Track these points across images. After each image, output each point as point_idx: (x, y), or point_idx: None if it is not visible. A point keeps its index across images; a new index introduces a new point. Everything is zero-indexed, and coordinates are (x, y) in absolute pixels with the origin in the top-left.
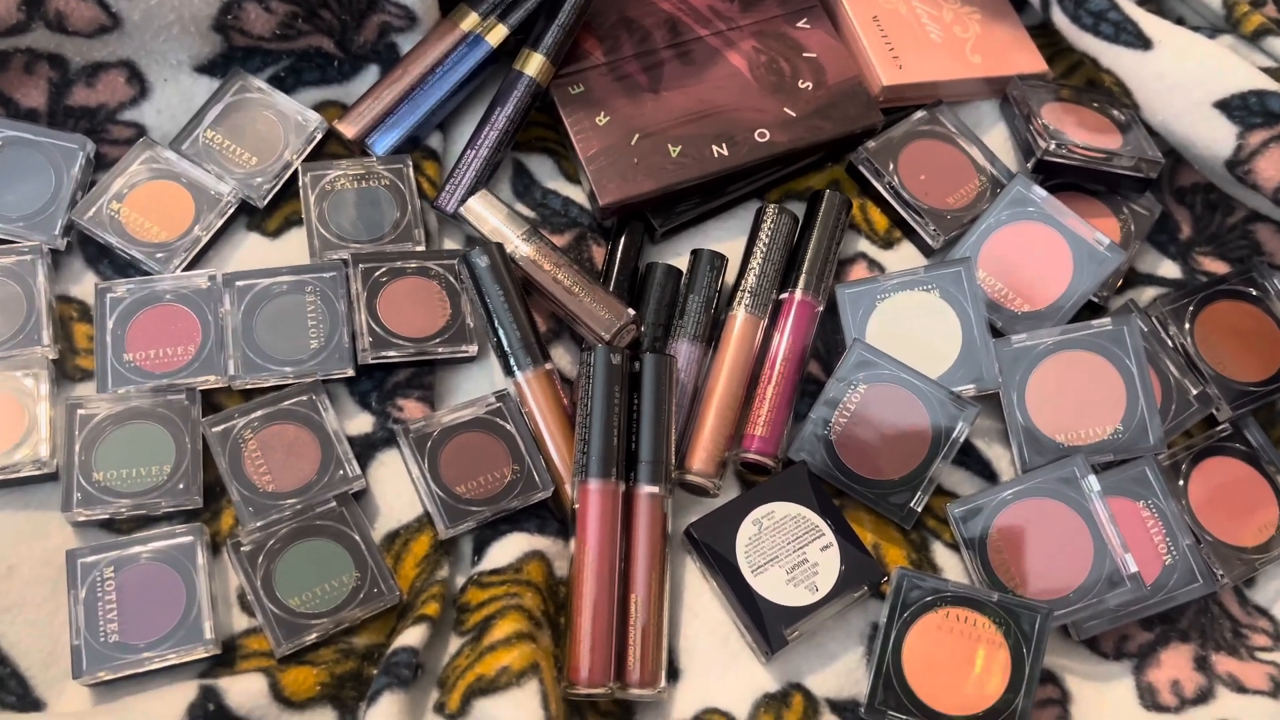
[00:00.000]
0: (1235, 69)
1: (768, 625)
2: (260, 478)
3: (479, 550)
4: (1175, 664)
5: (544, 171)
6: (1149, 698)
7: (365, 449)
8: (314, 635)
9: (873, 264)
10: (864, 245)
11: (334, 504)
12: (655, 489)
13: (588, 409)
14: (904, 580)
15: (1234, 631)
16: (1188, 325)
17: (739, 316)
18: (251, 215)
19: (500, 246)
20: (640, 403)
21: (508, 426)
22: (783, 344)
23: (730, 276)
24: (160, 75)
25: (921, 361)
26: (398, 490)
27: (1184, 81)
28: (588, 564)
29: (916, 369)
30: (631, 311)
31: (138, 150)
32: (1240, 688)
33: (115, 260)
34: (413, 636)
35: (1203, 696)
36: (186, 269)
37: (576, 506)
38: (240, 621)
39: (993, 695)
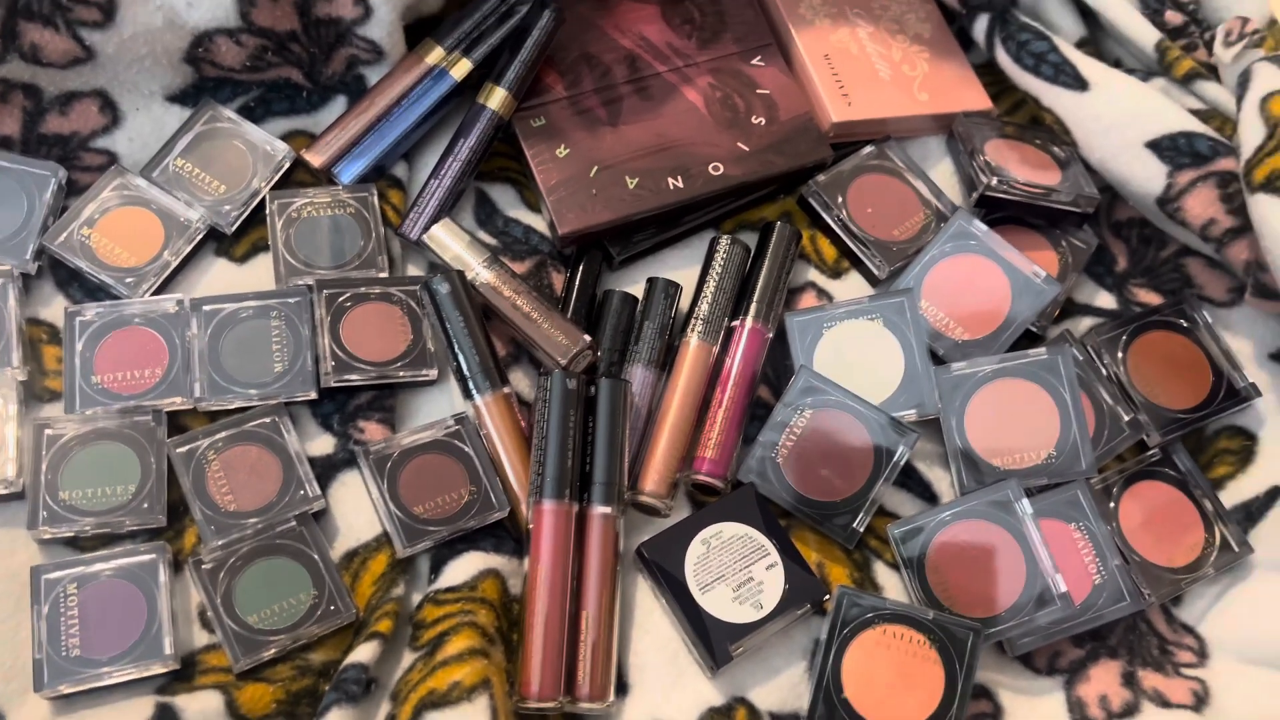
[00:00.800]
0: (1166, 111)
1: (714, 641)
2: (222, 497)
3: (435, 569)
4: (1104, 679)
5: (506, 200)
6: (1078, 712)
7: (326, 470)
8: (272, 651)
9: (821, 293)
10: (813, 275)
11: (294, 523)
12: (608, 509)
13: (544, 431)
14: (844, 598)
15: (1161, 648)
16: (1121, 354)
17: (692, 343)
18: (220, 241)
19: (461, 274)
20: (595, 426)
21: (466, 448)
22: (733, 369)
23: (685, 304)
24: (133, 104)
25: (866, 387)
26: (357, 510)
27: (1118, 122)
28: (540, 581)
29: (860, 395)
30: (588, 338)
31: (109, 177)
32: (1165, 703)
33: (85, 284)
34: (364, 653)
35: (1128, 711)
36: (155, 294)
37: (531, 526)
38: (200, 638)
39: (927, 709)
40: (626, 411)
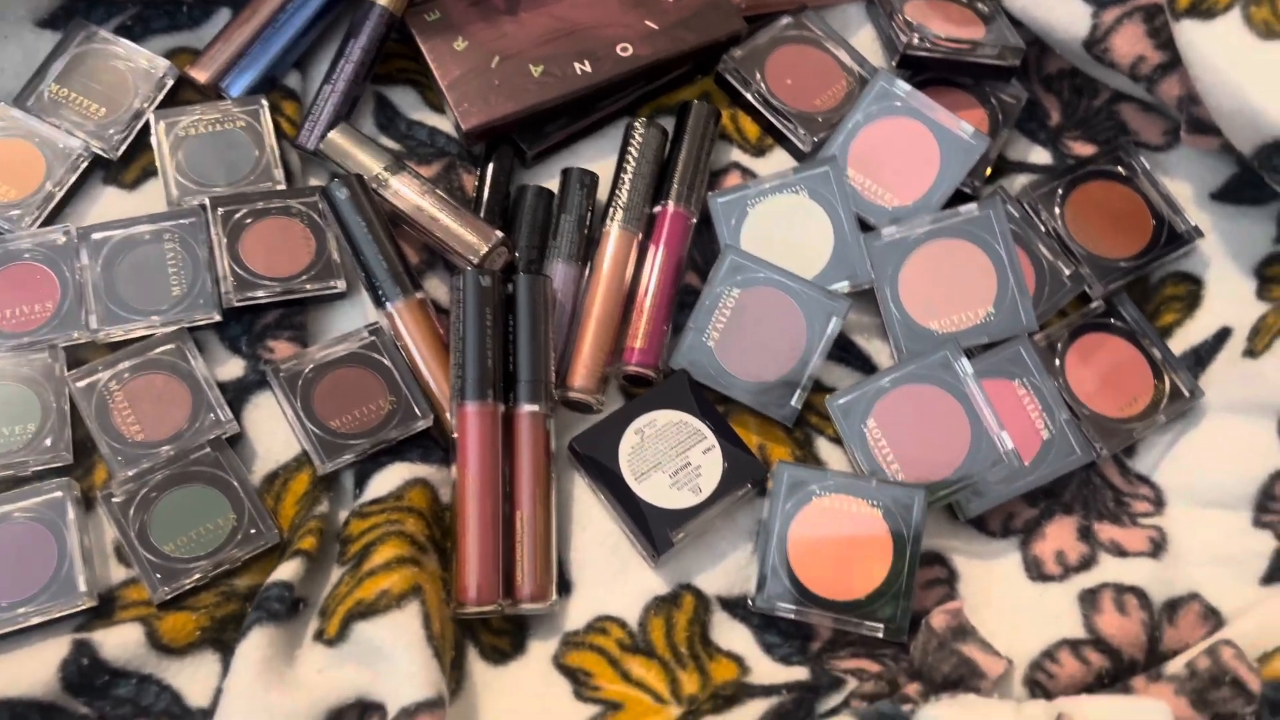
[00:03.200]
0: None
1: (653, 529)
2: (129, 429)
3: (360, 484)
4: (1059, 536)
5: (407, 103)
6: (1035, 570)
7: (238, 393)
8: (193, 579)
9: (746, 173)
10: (737, 155)
11: (207, 449)
12: (535, 407)
13: (460, 332)
14: (784, 473)
15: (1116, 500)
16: (1058, 209)
17: (613, 233)
18: (107, 169)
19: (359, 177)
20: (516, 324)
21: (383, 359)
22: (658, 256)
23: (604, 195)
24: (0, 33)
25: (797, 263)
26: (273, 431)
27: None
28: (470, 485)
29: (789, 270)
30: (500, 234)
31: None
32: (1122, 552)
33: None
34: (287, 571)
35: (1085, 564)
36: (41, 226)
37: (455, 432)
38: (118, 573)
39: (877, 578)
40: (547, 306)
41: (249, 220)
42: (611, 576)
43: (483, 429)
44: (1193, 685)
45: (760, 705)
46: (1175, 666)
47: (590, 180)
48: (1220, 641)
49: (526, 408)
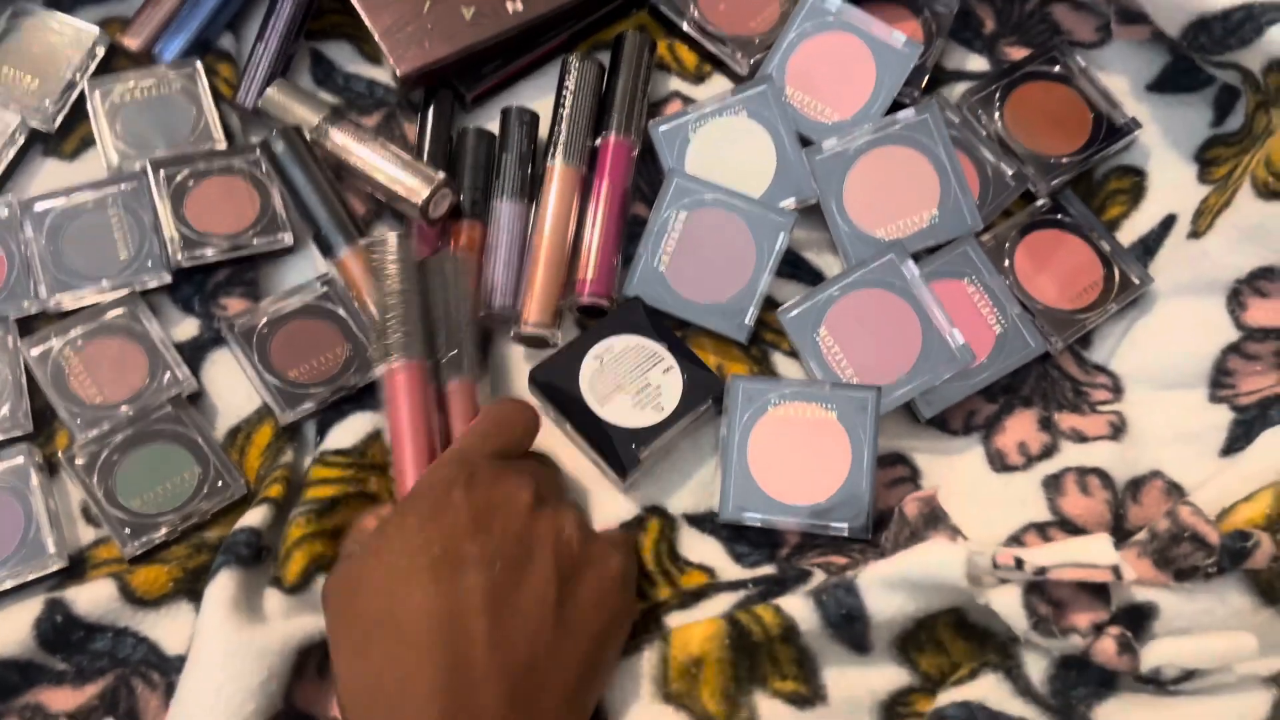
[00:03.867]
0: None
1: (619, 448)
2: (87, 393)
3: (321, 433)
4: (1020, 428)
5: (343, 57)
6: (998, 461)
7: (195, 352)
8: (162, 532)
9: (687, 101)
10: (676, 84)
11: (168, 407)
12: (457, 381)
13: (382, 300)
14: (739, 386)
15: (1075, 391)
16: (997, 112)
17: (556, 168)
18: (46, 141)
19: (297, 129)
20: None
21: (337, 309)
22: (603, 188)
23: (545, 134)
24: None
25: (742, 184)
26: (232, 387)
27: None
28: (407, 447)
29: (733, 189)
30: (442, 174)
31: None
32: (1082, 438)
33: None
34: (254, 518)
35: (1047, 452)
36: None
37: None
38: (87, 535)
39: (839, 480)
40: (457, 284)
41: (191, 182)
42: (579, 506)
43: (412, 388)
44: (1154, 546)
45: (727, 599)
46: (1138, 535)
47: (530, 118)
48: (1179, 503)
49: (453, 383)
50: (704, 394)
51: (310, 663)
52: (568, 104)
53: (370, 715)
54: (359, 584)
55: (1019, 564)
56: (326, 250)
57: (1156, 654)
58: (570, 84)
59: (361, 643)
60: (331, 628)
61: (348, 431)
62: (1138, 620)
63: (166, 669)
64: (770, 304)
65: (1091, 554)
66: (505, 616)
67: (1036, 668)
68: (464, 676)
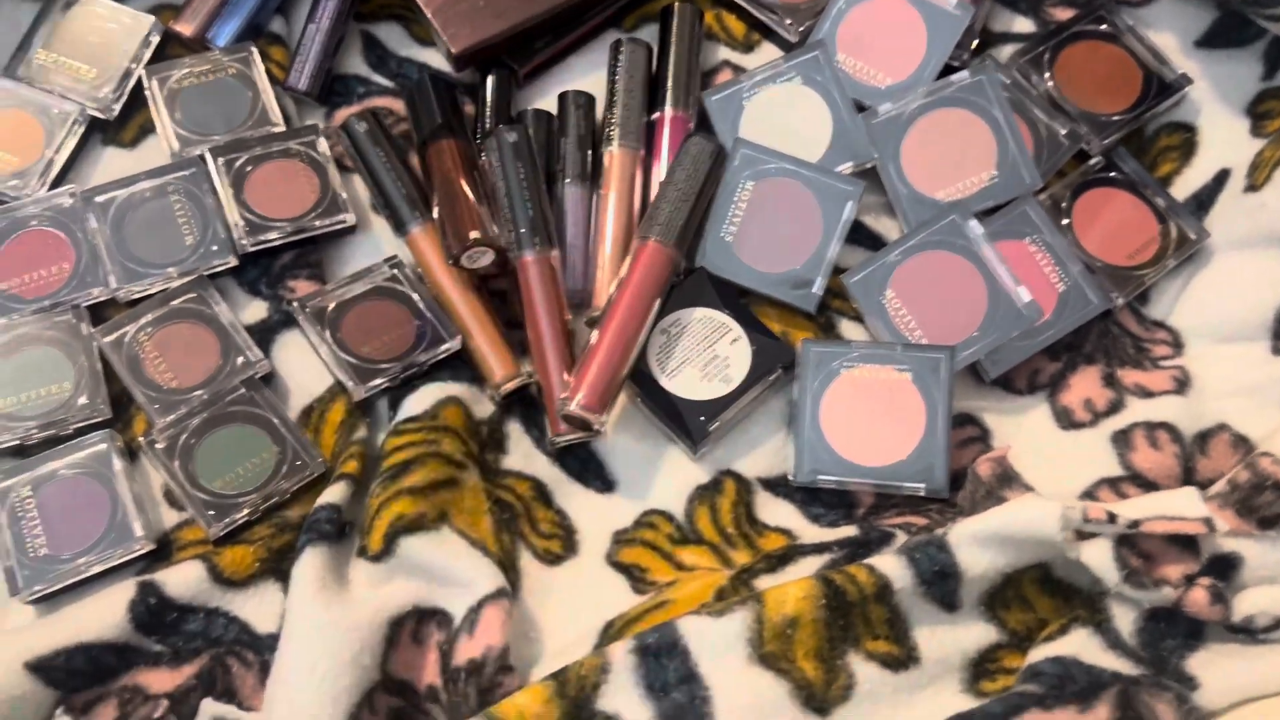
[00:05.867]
0: None
1: (688, 421)
2: (163, 377)
3: (394, 407)
4: (1085, 385)
5: (394, 39)
6: (1065, 419)
7: (264, 334)
8: (244, 513)
9: (738, 70)
10: (726, 54)
11: (242, 389)
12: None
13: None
14: (809, 350)
15: (1136, 347)
16: (1048, 72)
17: (615, 153)
18: (105, 129)
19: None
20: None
21: (405, 289)
22: (663, 165)
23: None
24: None
25: (798, 151)
26: (304, 367)
27: None
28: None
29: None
30: (475, 235)
31: None
32: (1147, 393)
33: None
34: (334, 494)
35: (1114, 408)
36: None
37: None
38: (171, 518)
39: (914, 439)
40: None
41: (250, 167)
42: (653, 473)
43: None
44: (1236, 497)
45: (814, 561)
46: (1217, 486)
47: (585, 101)
48: (1257, 454)
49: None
50: (773, 362)
51: (403, 631)
52: (620, 88)
53: None
54: None
55: (1111, 518)
56: (399, 225)
57: (1249, 603)
58: (621, 68)
59: None
60: None
61: (420, 401)
62: (1223, 571)
63: (260, 647)
64: (835, 271)
65: (1180, 507)
66: None
67: (1125, 621)
68: None
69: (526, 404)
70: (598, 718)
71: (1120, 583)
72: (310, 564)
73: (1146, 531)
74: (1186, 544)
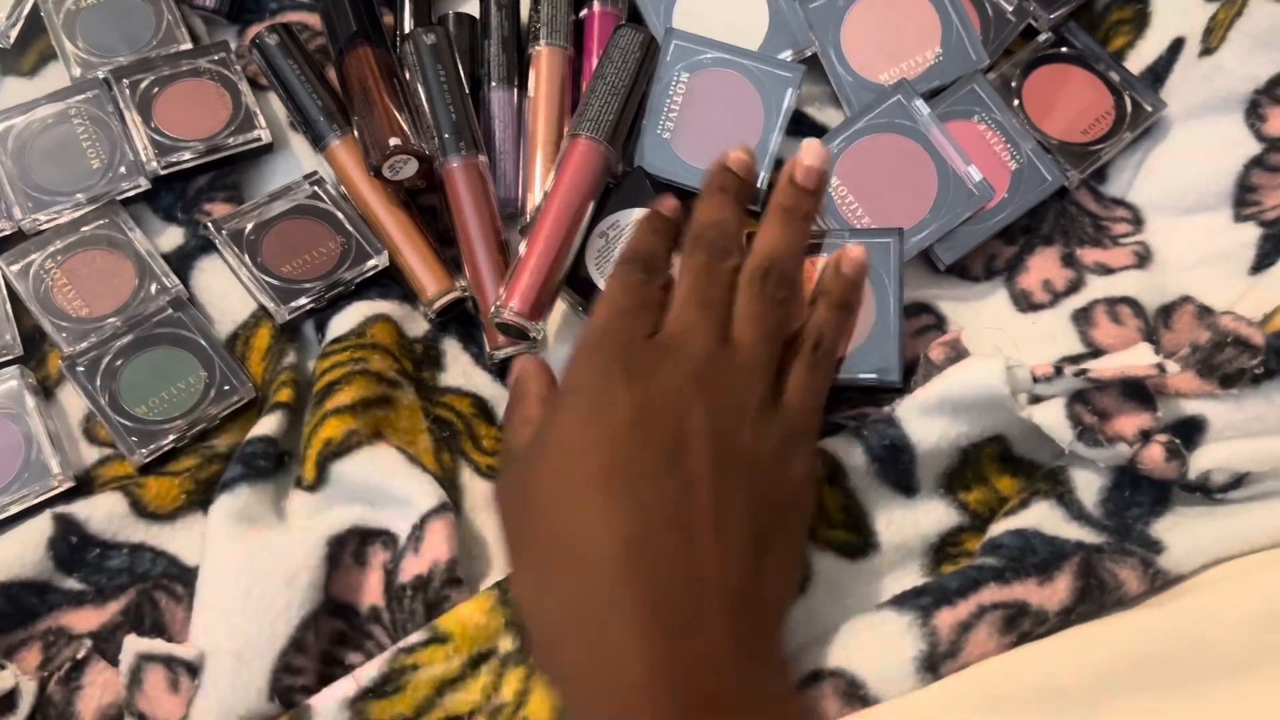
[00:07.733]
0: None
1: None
2: (72, 305)
3: (321, 329)
4: (1043, 266)
5: None
6: (1024, 301)
7: (182, 260)
8: (170, 439)
9: None
10: None
11: (169, 310)
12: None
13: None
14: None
15: (1095, 226)
16: None
17: (542, 52)
18: (3, 59)
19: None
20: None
21: (326, 206)
22: (595, 62)
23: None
24: None
25: (734, 41)
26: (225, 292)
27: None
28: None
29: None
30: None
31: None
32: (1108, 270)
33: None
34: (268, 425)
35: (1074, 287)
36: None
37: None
38: (90, 454)
39: (864, 330)
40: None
41: (156, 89)
42: None
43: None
44: (1197, 357)
45: None
46: (1180, 352)
47: (509, 1)
48: (1219, 314)
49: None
50: None
51: (345, 552)
52: None
53: (564, 648)
54: (527, 495)
55: (1059, 371)
56: (318, 139)
57: (1206, 458)
58: None
59: (540, 562)
60: (505, 535)
61: (347, 320)
62: (1187, 434)
63: (189, 579)
64: (776, 164)
65: (1132, 359)
66: (699, 527)
67: (1089, 491)
68: (673, 605)
69: (464, 321)
70: None
71: (1074, 440)
72: (240, 498)
73: (1096, 377)
74: (1143, 399)
